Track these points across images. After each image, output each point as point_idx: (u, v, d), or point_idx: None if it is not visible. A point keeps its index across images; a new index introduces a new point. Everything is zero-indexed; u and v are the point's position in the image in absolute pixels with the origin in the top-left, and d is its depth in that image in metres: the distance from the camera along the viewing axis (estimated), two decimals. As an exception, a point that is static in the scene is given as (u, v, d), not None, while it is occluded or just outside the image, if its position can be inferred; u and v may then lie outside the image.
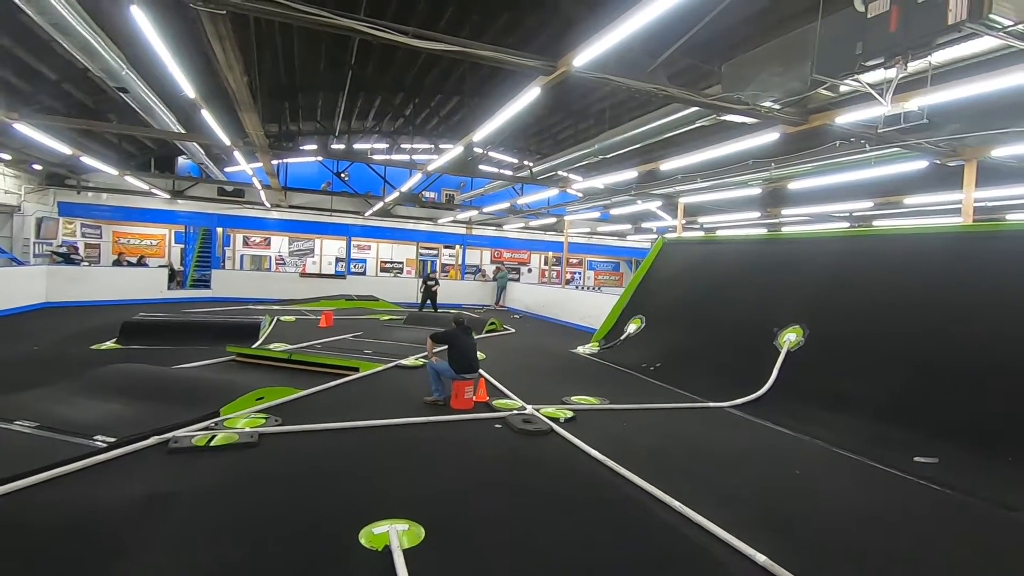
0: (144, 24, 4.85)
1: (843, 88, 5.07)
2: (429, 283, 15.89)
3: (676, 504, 3.77)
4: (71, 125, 10.73)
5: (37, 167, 15.50)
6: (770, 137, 7.01)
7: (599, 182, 12.97)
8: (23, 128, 8.83)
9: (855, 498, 4.25)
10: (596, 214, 19.78)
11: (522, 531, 3.41)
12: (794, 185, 11.33)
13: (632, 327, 10.30)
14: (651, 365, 8.71)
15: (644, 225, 22.65)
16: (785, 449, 5.36)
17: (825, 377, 6.47)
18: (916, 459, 4.84)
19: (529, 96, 5.61)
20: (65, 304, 13.64)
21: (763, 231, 17.75)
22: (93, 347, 8.48)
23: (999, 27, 3.55)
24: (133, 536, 3.04)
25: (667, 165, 10.00)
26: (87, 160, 11.91)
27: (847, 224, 16.33)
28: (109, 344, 8.67)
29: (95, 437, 4.29)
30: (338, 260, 22.80)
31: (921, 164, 8.33)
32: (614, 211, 18.88)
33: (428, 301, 15.80)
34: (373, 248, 23.70)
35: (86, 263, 17.14)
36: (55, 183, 17.04)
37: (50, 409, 4.88)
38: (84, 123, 10.77)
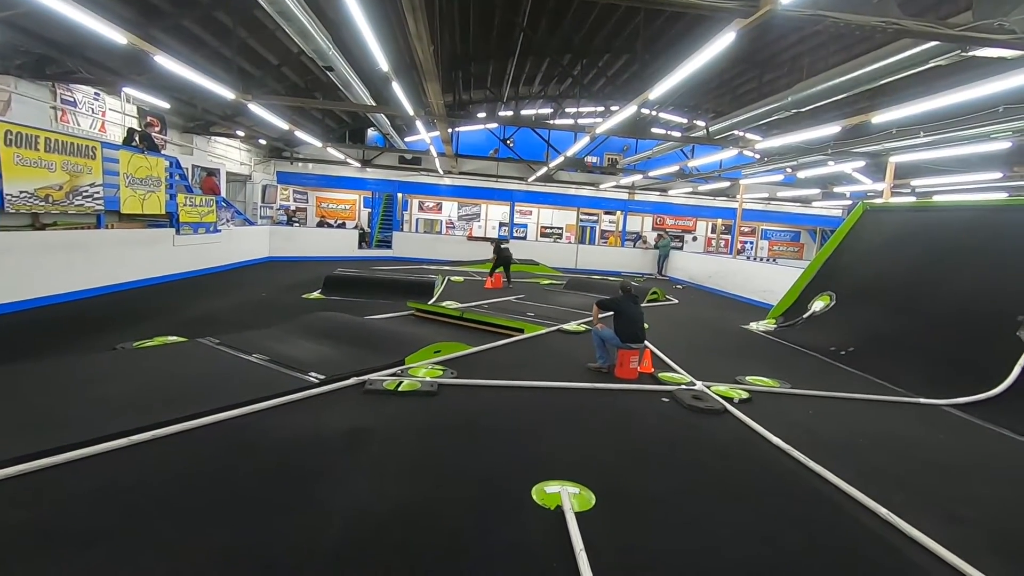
0: (353, 6, 5.31)
1: None
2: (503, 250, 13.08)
3: (883, 511, 3.27)
4: (288, 103, 12.47)
5: (262, 142, 18.38)
6: (1038, 75, 5.50)
7: (787, 140, 11.46)
8: (255, 108, 10.42)
9: None
10: (778, 177, 17.73)
11: (696, 514, 3.23)
12: (1061, 137, 8.89)
13: (818, 304, 9.14)
14: (842, 349, 7.67)
15: (836, 190, 19.80)
16: (1033, 465, 4.37)
17: (1097, 382, 5.10)
18: None
19: (722, 43, 5.01)
20: (283, 259, 16.21)
21: (1003, 196, 14.38)
22: (304, 296, 9.93)
23: None
24: (334, 462, 3.49)
25: (879, 118, 8.45)
26: (299, 134, 13.72)
27: None
28: (315, 295, 10.07)
29: (309, 373, 5.01)
30: (501, 224, 23.69)
31: None
32: (801, 174, 16.75)
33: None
34: (535, 213, 24.15)
35: (297, 224, 20.12)
36: (274, 155, 20.11)
37: (274, 346, 5.81)
38: (298, 101, 12.46)
